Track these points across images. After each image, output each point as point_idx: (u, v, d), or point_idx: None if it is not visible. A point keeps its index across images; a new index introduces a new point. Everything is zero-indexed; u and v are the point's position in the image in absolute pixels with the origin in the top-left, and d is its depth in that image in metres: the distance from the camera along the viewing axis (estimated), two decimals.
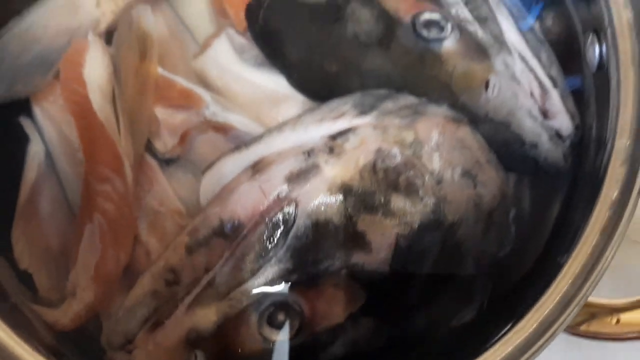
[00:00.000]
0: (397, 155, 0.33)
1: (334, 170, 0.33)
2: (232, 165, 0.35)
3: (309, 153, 0.33)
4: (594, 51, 0.33)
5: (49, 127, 0.38)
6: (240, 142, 0.36)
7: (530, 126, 0.35)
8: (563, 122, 0.35)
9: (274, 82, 0.38)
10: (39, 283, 0.36)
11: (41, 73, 0.37)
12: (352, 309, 0.33)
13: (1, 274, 0.35)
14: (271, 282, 0.32)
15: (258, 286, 0.32)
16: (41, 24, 0.38)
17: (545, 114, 0.36)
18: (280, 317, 0.32)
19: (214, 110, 0.37)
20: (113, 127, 0.36)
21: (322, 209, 0.32)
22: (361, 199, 0.32)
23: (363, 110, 0.34)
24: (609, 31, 0.32)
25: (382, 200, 0.32)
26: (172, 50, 0.40)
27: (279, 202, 0.33)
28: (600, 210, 0.30)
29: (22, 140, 0.38)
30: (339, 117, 0.35)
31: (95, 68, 0.36)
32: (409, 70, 0.36)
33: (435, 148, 0.34)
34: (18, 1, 0.38)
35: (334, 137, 0.34)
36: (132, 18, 0.38)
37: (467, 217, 0.34)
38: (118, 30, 0.38)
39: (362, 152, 0.33)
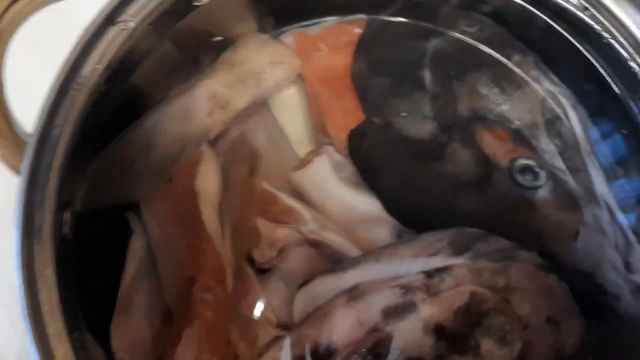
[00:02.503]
0: (489, 300, 0.35)
1: (430, 310, 0.35)
2: (328, 286, 0.37)
3: (406, 289, 0.35)
4: None
5: (154, 226, 0.40)
6: (337, 261, 0.39)
7: (613, 278, 0.37)
8: None
9: (368, 204, 0.40)
10: None
11: (155, 180, 0.39)
12: None
13: None
14: None
15: None
16: (158, 130, 0.40)
17: (628, 267, 0.37)
18: None
19: (312, 227, 0.39)
20: (218, 238, 0.38)
21: (415, 346, 0.34)
22: (453, 340, 0.34)
23: (458, 250, 0.36)
24: None
25: (473, 343, 0.34)
26: (270, 159, 0.43)
27: (374, 334, 0.35)
28: None
29: (126, 233, 0.41)
30: (434, 254, 0.37)
31: (208, 180, 0.39)
32: (503, 214, 0.38)
33: (525, 294, 0.36)
34: (139, 104, 0.40)
35: (430, 274, 0.36)
36: (244, 135, 0.40)
37: None
38: (229, 143, 0.41)
39: (457, 293, 0.35)
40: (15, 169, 0.33)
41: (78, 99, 0.31)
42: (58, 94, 0.31)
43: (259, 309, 0.39)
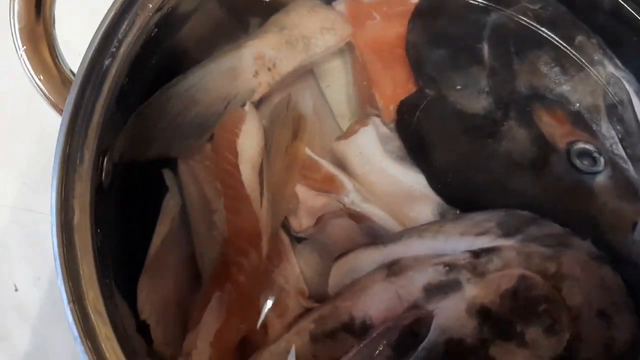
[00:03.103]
0: (539, 285, 0.33)
1: (475, 291, 0.33)
2: (367, 259, 0.36)
3: (450, 267, 0.34)
4: None
5: (190, 185, 0.39)
6: (376, 236, 0.37)
7: None
8: None
9: (413, 179, 0.39)
10: (155, 336, 0.37)
11: (196, 137, 0.38)
12: None
13: (125, 321, 0.36)
14: None
15: None
16: (202, 87, 0.39)
17: None
18: None
19: (353, 198, 0.38)
20: (257, 200, 0.37)
21: (458, 327, 0.32)
22: (498, 324, 0.32)
23: (507, 232, 0.35)
24: None
25: (519, 329, 0.32)
26: (313, 128, 0.41)
27: (415, 311, 0.33)
28: None
29: (161, 190, 0.39)
30: (482, 234, 0.35)
31: (250, 139, 0.37)
32: (557, 198, 0.36)
33: (576, 284, 0.34)
34: (185, 61, 0.39)
35: (476, 254, 0.34)
36: (290, 97, 0.39)
37: (596, 359, 0.33)
38: (274, 105, 0.39)
39: (505, 276, 0.33)
40: (58, 108, 0.31)
41: (128, 37, 0.30)
42: (108, 29, 0.29)
43: (291, 278, 0.37)
